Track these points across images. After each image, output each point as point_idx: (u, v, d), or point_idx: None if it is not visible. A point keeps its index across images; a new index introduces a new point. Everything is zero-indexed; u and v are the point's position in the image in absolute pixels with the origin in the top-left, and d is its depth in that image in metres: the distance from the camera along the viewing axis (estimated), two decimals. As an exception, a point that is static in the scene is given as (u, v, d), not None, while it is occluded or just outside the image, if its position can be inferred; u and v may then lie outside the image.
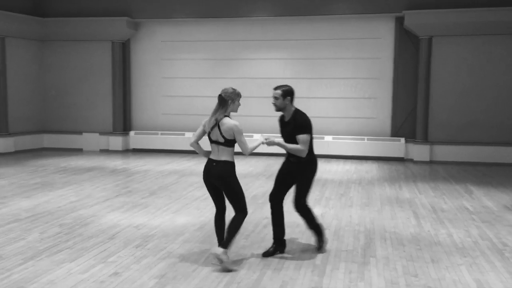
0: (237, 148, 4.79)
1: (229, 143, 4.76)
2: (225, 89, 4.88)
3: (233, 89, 4.87)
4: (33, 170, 10.51)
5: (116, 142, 14.01)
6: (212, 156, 4.86)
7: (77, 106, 14.35)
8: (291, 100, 5.09)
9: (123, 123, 14.15)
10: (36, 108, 14.30)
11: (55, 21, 13.92)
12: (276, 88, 5.09)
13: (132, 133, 14.06)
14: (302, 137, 4.96)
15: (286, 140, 5.11)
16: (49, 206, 7.25)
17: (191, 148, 4.92)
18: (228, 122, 4.74)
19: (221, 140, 4.76)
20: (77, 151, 13.97)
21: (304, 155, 4.99)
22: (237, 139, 4.74)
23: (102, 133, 14.17)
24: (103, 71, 14.12)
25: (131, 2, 13.66)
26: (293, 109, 5.11)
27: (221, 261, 4.69)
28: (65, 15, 13.94)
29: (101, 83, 14.16)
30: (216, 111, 4.81)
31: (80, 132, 14.31)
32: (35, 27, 13.76)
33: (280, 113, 5.26)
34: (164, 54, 14.04)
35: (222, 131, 4.72)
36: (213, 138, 4.81)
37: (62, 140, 14.39)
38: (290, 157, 5.18)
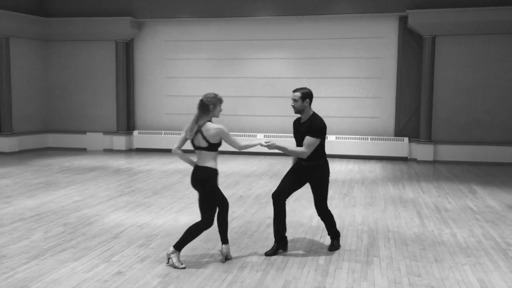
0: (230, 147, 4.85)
1: (212, 147, 4.75)
2: (206, 94, 4.88)
3: (214, 94, 4.87)
4: (37, 169, 10.54)
5: (119, 141, 14.04)
6: (197, 163, 4.88)
7: (81, 106, 14.39)
8: (310, 103, 5.12)
9: (127, 122, 14.18)
10: (40, 107, 14.35)
11: (59, 21, 13.95)
12: (295, 91, 5.13)
13: (135, 132, 14.09)
14: (310, 139, 4.99)
15: (299, 142, 5.12)
16: (53, 205, 7.27)
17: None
18: (212, 127, 4.72)
19: (204, 144, 4.74)
20: (81, 150, 14.01)
21: (304, 157, 5.03)
22: (227, 141, 4.78)
23: (105, 132, 14.20)
24: (107, 71, 14.15)
25: (135, 2, 13.68)
26: (311, 112, 5.15)
27: (169, 260, 4.81)
28: (68, 15, 13.98)
29: (105, 82, 14.19)
30: (198, 117, 4.79)
31: (83, 132, 14.35)
32: (38, 27, 13.79)
33: (296, 116, 5.29)
34: (167, 53, 14.06)
35: (207, 137, 4.71)
36: (196, 144, 4.81)
37: (66, 139, 14.43)
38: (302, 160, 5.18)
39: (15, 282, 4.40)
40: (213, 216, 4.87)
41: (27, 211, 6.90)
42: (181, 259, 4.92)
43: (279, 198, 5.20)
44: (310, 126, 5.04)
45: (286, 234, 5.33)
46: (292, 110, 5.18)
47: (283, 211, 5.22)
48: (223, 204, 5.00)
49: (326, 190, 5.26)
